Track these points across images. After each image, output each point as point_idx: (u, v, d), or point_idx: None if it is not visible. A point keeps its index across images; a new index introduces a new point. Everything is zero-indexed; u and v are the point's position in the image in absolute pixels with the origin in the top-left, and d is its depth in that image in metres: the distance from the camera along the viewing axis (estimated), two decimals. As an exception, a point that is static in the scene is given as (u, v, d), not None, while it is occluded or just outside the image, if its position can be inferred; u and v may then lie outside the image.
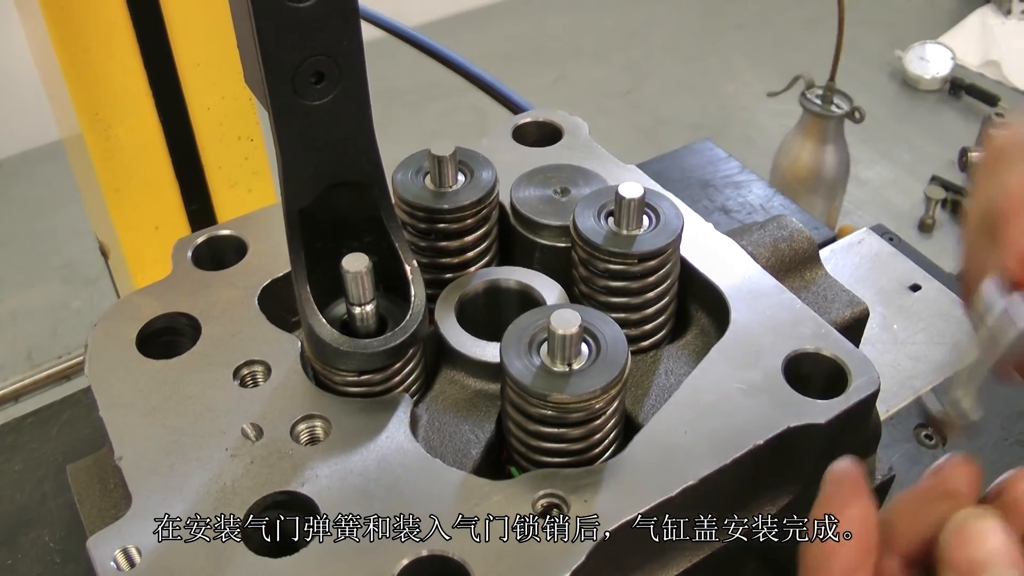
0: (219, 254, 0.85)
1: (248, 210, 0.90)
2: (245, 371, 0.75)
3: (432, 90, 3.17)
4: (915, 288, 1.08)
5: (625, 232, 0.76)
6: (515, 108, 1.48)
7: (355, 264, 0.67)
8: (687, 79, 3.68)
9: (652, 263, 0.75)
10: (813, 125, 2.36)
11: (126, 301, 0.81)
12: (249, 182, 1.34)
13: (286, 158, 0.65)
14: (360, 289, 0.68)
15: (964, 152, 2.93)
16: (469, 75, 1.53)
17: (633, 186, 0.75)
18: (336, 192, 0.68)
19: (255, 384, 0.75)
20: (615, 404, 0.67)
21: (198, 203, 1.31)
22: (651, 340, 0.80)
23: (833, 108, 2.31)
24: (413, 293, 0.70)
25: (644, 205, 0.76)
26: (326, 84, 0.62)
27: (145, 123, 1.23)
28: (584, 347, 0.67)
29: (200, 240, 0.86)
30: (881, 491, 0.90)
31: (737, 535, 0.72)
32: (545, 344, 0.67)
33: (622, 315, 0.77)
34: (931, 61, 3.37)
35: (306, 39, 0.60)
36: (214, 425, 0.71)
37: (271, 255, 0.83)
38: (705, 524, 0.71)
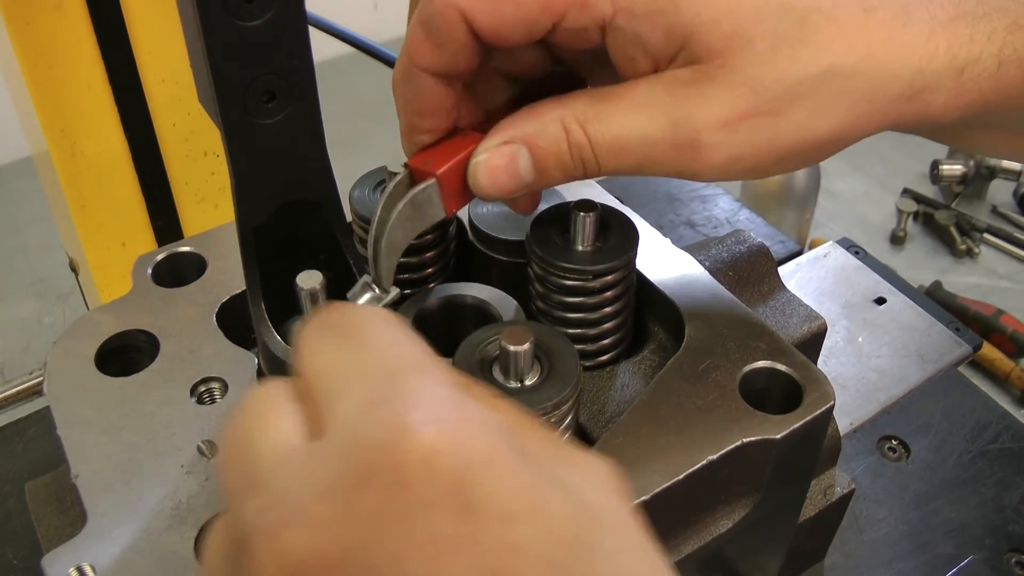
0: (179, 271, 0.86)
1: (215, 225, 0.90)
2: (202, 388, 0.75)
3: (405, 104, 3.17)
4: (880, 301, 1.09)
5: (580, 248, 0.76)
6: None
7: (309, 281, 0.67)
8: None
9: (608, 279, 0.76)
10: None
11: (86, 319, 0.81)
12: (216, 197, 1.34)
13: (238, 177, 0.65)
14: (315, 306, 0.68)
15: (935, 165, 2.94)
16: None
17: (588, 202, 0.75)
18: (290, 210, 0.68)
19: (212, 401, 0.75)
20: (568, 419, 0.68)
21: (164, 219, 1.31)
22: (608, 355, 0.80)
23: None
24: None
25: (600, 221, 0.76)
26: (277, 103, 0.63)
27: (111, 140, 1.23)
28: (536, 363, 0.67)
29: (160, 257, 0.86)
30: (841, 505, 0.90)
31: (692, 550, 0.73)
32: (498, 360, 0.67)
33: (578, 331, 0.77)
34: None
35: (256, 58, 0.60)
36: (170, 442, 0.71)
37: (230, 272, 0.83)
38: (659, 539, 0.71)
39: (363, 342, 0.46)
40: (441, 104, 0.68)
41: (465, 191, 0.67)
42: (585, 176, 0.66)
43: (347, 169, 0.90)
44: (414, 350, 0.45)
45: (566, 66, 0.73)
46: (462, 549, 0.38)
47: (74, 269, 1.47)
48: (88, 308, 1.47)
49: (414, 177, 0.67)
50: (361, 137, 3.18)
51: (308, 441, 0.43)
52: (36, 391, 1.48)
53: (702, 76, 0.62)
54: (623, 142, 0.63)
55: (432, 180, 0.66)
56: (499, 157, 0.65)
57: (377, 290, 0.67)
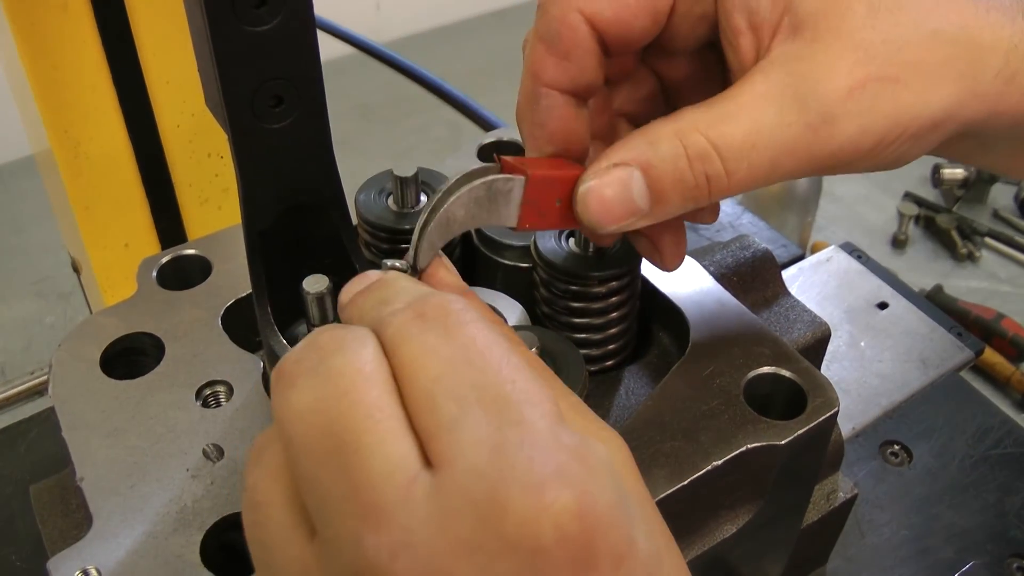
0: (184, 273, 0.86)
1: (219, 227, 0.90)
2: (207, 391, 0.75)
3: (406, 105, 3.17)
4: (883, 306, 1.09)
5: (585, 253, 0.76)
6: (487, 125, 1.49)
7: (316, 285, 0.67)
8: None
9: (613, 284, 0.76)
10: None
11: (90, 321, 0.81)
12: (219, 199, 1.34)
13: (246, 181, 0.65)
14: (321, 310, 0.68)
15: (937, 168, 2.95)
16: (440, 92, 1.53)
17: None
18: (296, 214, 0.68)
19: (217, 404, 0.75)
20: (573, 425, 0.68)
21: (168, 221, 1.31)
22: (613, 360, 0.80)
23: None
24: None
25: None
26: (285, 107, 0.63)
27: (115, 140, 1.23)
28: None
29: (165, 260, 0.86)
30: (844, 510, 0.90)
31: (696, 555, 0.73)
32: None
33: (583, 336, 0.77)
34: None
35: (264, 63, 0.60)
36: (175, 445, 0.71)
37: (235, 275, 0.83)
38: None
39: (470, 346, 0.47)
40: (572, 126, 0.65)
41: (550, 212, 0.63)
42: (710, 197, 0.61)
43: (349, 170, 0.90)
44: (519, 362, 0.47)
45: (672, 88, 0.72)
46: None
47: (76, 269, 1.47)
48: (90, 309, 1.47)
49: (503, 170, 0.62)
50: (363, 138, 3.19)
51: (426, 471, 0.44)
52: (38, 391, 1.48)
53: (813, 45, 0.60)
54: (755, 138, 0.60)
55: (522, 177, 0.61)
56: (609, 181, 0.61)
57: (408, 271, 0.62)
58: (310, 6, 0.60)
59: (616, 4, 0.61)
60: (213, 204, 1.34)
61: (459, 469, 0.43)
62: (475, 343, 0.47)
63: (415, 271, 0.62)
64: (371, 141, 3.21)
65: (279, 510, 0.48)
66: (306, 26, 0.60)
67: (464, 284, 0.63)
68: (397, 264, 0.62)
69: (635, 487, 0.49)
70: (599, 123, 0.70)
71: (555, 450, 0.43)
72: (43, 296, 2.56)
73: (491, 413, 0.44)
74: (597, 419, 0.53)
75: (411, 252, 0.62)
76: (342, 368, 0.47)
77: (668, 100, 0.73)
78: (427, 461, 0.44)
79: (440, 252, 0.62)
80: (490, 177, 0.61)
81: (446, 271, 0.63)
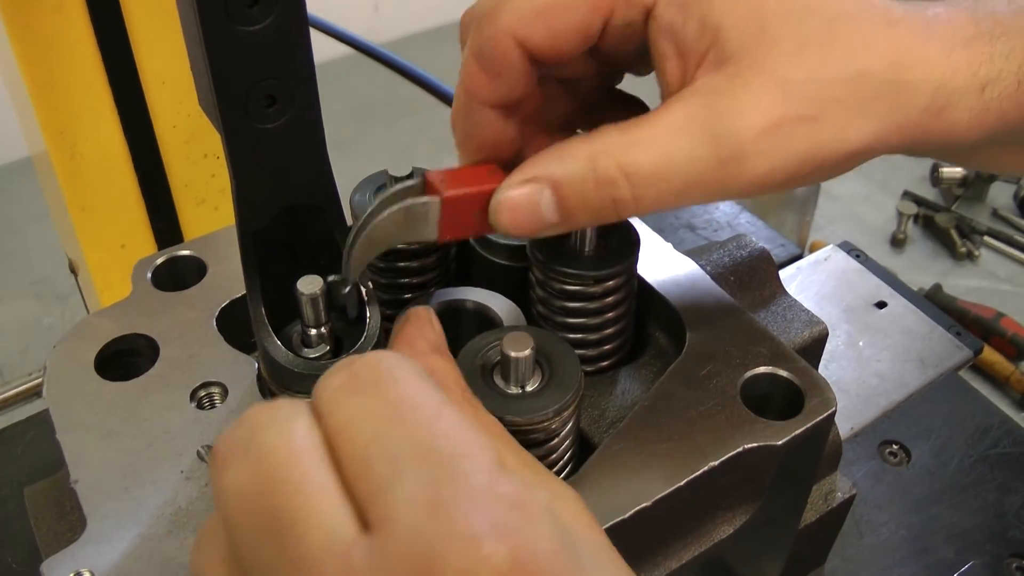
0: (179, 275, 0.85)
1: (216, 227, 0.90)
2: (202, 393, 0.75)
3: (405, 105, 3.17)
4: (881, 305, 1.09)
5: (582, 253, 0.76)
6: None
7: (310, 286, 0.67)
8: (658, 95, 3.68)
9: (609, 284, 0.76)
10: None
11: (85, 323, 0.81)
12: (216, 199, 1.34)
13: (239, 181, 0.65)
14: (314, 311, 0.68)
15: (936, 167, 2.94)
16: (438, 92, 1.53)
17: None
18: (290, 214, 0.68)
19: (212, 406, 0.75)
20: (569, 425, 0.68)
21: (165, 221, 1.31)
22: (609, 361, 0.80)
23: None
24: (368, 315, 0.70)
25: (601, 226, 0.76)
26: (278, 107, 0.62)
27: (111, 141, 1.23)
28: (538, 369, 0.67)
29: (159, 261, 0.86)
30: (842, 510, 0.90)
31: (693, 556, 0.73)
32: (499, 366, 0.67)
33: (579, 336, 0.77)
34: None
35: (257, 62, 0.60)
36: (170, 447, 0.71)
37: (230, 276, 0.83)
38: (660, 546, 0.71)
39: (401, 403, 0.47)
40: (501, 136, 0.67)
41: (468, 225, 0.65)
42: (618, 217, 0.63)
43: (347, 170, 0.90)
44: (453, 414, 0.47)
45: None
46: None
47: (73, 271, 1.47)
48: (87, 310, 1.47)
49: (425, 188, 0.65)
50: (361, 138, 3.19)
51: (364, 535, 0.44)
52: (35, 393, 1.48)
53: (735, 80, 0.61)
54: (664, 168, 0.61)
55: (436, 199, 0.64)
56: (519, 196, 0.63)
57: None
58: (303, 5, 0.59)
59: (547, 29, 0.62)
60: (210, 205, 1.34)
61: (396, 530, 0.43)
62: (405, 399, 0.47)
63: (346, 282, 0.67)
64: (369, 141, 3.21)
65: None
66: (299, 25, 0.60)
67: (436, 338, 0.64)
68: (334, 277, 0.67)
69: (587, 534, 0.49)
70: (545, 116, 0.72)
71: (491, 502, 0.43)
72: (41, 297, 2.56)
73: (425, 470, 0.44)
74: (544, 469, 0.54)
75: (343, 268, 0.66)
76: (272, 444, 0.47)
77: (608, 99, 0.75)
78: (365, 525, 0.44)
79: (430, 308, 0.67)
80: (407, 202, 0.63)
81: (416, 328, 0.64)
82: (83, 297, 1.51)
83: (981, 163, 0.74)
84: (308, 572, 0.43)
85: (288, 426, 0.47)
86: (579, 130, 0.74)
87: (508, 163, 0.67)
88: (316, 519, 0.44)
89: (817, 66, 0.61)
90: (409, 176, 0.78)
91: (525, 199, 0.63)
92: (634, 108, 0.69)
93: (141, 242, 1.32)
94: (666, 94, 0.65)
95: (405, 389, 0.48)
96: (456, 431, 0.46)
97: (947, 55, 0.62)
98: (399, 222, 0.64)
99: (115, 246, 1.31)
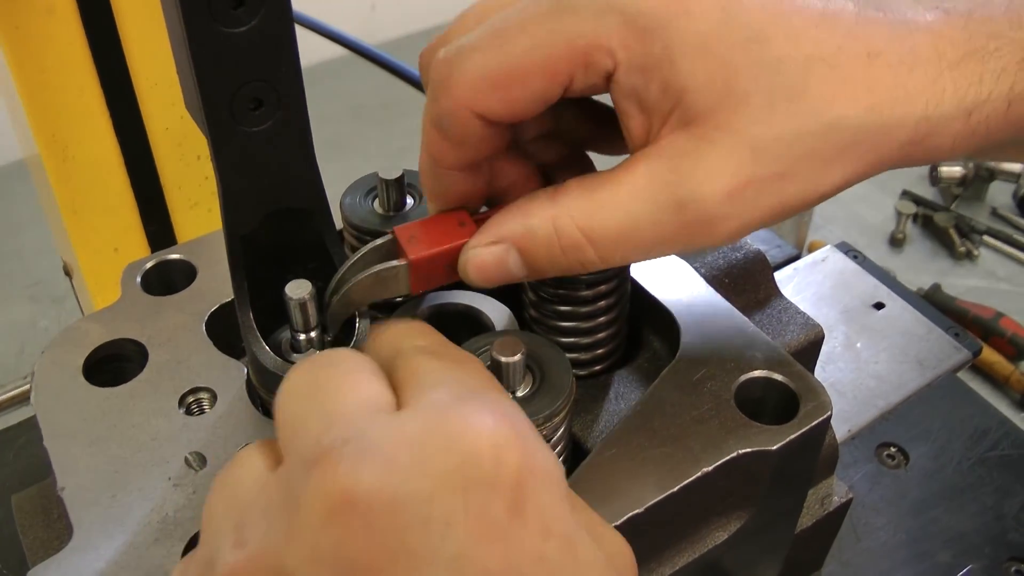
0: (169, 279, 0.85)
1: (209, 230, 0.89)
2: (191, 398, 0.75)
3: (400, 106, 3.16)
4: (879, 306, 1.09)
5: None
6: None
7: (298, 291, 0.66)
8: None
9: (601, 287, 0.75)
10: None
11: (74, 328, 0.80)
12: (209, 202, 1.33)
13: (226, 184, 0.64)
14: (303, 316, 0.67)
15: (935, 166, 2.93)
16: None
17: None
18: (278, 218, 0.67)
19: (201, 411, 0.74)
20: (560, 431, 0.67)
21: (158, 224, 1.30)
22: (602, 364, 0.79)
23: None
24: (357, 319, 0.69)
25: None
26: (265, 110, 0.61)
27: (103, 144, 1.22)
28: (528, 374, 0.66)
29: (149, 265, 0.85)
30: (838, 515, 0.89)
31: (687, 562, 0.72)
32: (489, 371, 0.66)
33: (572, 339, 0.76)
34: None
35: (243, 65, 0.59)
36: (158, 454, 0.71)
37: (220, 279, 0.82)
38: (654, 552, 0.71)
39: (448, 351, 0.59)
40: (472, 191, 0.68)
41: (439, 277, 0.67)
42: (586, 271, 0.64)
43: (343, 171, 0.90)
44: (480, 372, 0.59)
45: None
46: (502, 539, 0.44)
47: (68, 273, 1.47)
48: (83, 312, 1.46)
49: (395, 246, 0.66)
50: (356, 140, 3.18)
51: (395, 410, 0.50)
52: (28, 397, 1.47)
53: (701, 142, 0.59)
54: (629, 233, 0.61)
55: (404, 263, 0.65)
56: (488, 256, 0.64)
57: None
58: (289, 7, 0.58)
59: (504, 101, 0.61)
60: (203, 207, 1.34)
61: (420, 405, 0.49)
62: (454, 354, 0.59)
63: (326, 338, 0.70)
64: (364, 143, 3.20)
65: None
66: (285, 27, 0.59)
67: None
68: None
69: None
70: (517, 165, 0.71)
71: (514, 412, 0.49)
72: (37, 300, 2.55)
73: (465, 382, 0.53)
74: None
75: (327, 322, 0.69)
76: (330, 355, 0.54)
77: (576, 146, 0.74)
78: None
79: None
80: (376, 269, 0.65)
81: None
82: (78, 300, 1.50)
83: (970, 159, 0.73)
84: (336, 418, 0.48)
85: (347, 352, 0.55)
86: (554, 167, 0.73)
87: (480, 205, 0.69)
88: (355, 387, 0.50)
89: (787, 121, 0.59)
90: (400, 179, 0.78)
91: (493, 258, 0.64)
92: (610, 126, 0.67)
93: (134, 245, 1.31)
94: (632, 148, 0.63)
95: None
96: (483, 373, 0.58)
97: (933, 81, 0.60)
98: (371, 285, 0.66)
99: (108, 249, 1.30)
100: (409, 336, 0.61)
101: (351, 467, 0.44)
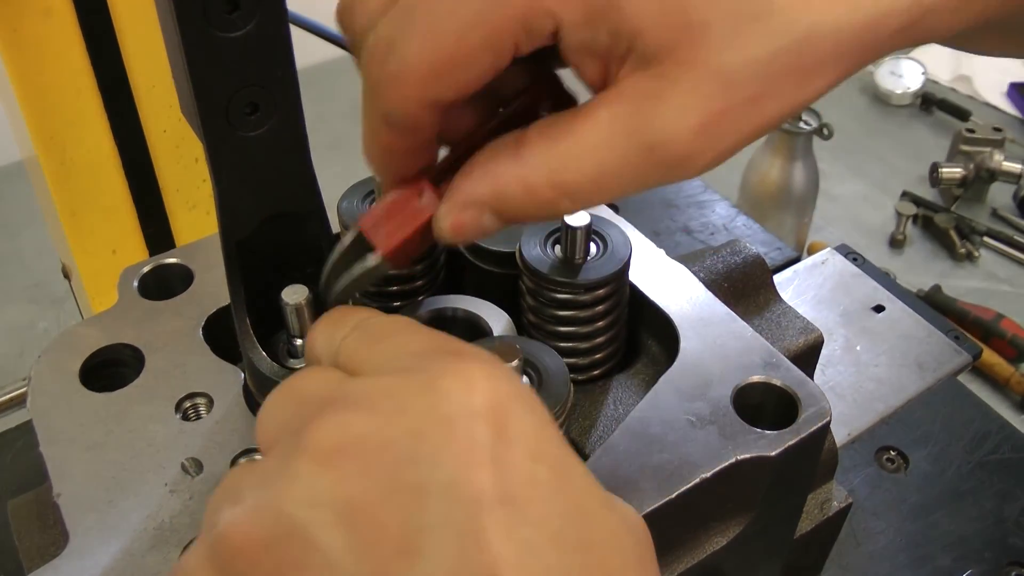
0: (166, 283, 0.84)
1: (208, 232, 0.89)
2: (187, 404, 0.74)
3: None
4: (879, 309, 1.08)
5: (572, 261, 0.75)
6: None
7: (295, 296, 0.66)
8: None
9: (600, 292, 0.75)
10: (782, 142, 2.35)
11: (70, 332, 0.80)
12: (207, 204, 1.33)
13: (222, 190, 0.64)
14: (300, 321, 0.67)
15: (935, 167, 2.93)
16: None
17: (580, 214, 0.74)
18: (275, 223, 0.67)
19: (198, 417, 0.74)
20: (558, 437, 0.66)
21: (156, 226, 1.30)
22: (600, 369, 0.79)
23: (801, 125, 2.30)
24: None
25: (591, 233, 0.75)
26: (261, 115, 0.61)
27: (100, 146, 1.22)
28: (526, 379, 0.66)
29: (146, 269, 0.85)
30: (838, 520, 0.89)
31: (686, 569, 0.72)
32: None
33: (570, 344, 0.76)
34: (903, 76, 3.36)
35: (238, 69, 0.59)
36: (154, 460, 0.70)
37: (217, 284, 0.82)
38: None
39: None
40: (426, 161, 0.64)
41: (415, 250, 0.65)
42: (562, 216, 0.64)
43: (342, 172, 0.89)
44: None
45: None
46: (492, 463, 0.45)
47: (67, 275, 1.46)
48: (82, 314, 1.46)
49: (364, 242, 0.64)
50: (354, 142, 3.17)
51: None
52: (26, 400, 1.47)
53: (662, 81, 0.55)
54: (601, 180, 0.57)
55: (378, 256, 0.63)
56: (463, 219, 0.60)
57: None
58: (284, 10, 0.58)
59: (453, 85, 0.57)
60: (201, 209, 1.33)
61: (399, 366, 0.51)
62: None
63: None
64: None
65: None
66: (281, 31, 0.59)
67: None
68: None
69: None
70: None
71: (499, 364, 0.51)
72: (36, 302, 2.55)
73: (448, 349, 0.53)
74: None
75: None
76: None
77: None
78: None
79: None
80: (353, 271, 0.63)
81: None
82: (77, 302, 1.50)
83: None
84: (314, 398, 0.51)
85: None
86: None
87: (433, 164, 0.65)
88: (321, 373, 0.54)
89: (756, 42, 0.54)
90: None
91: (470, 220, 0.60)
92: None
93: (132, 247, 1.31)
94: (591, 90, 0.59)
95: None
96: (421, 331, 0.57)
97: None
98: (352, 287, 0.64)
99: (106, 251, 1.30)
100: (338, 328, 0.59)
101: (337, 422, 0.46)
